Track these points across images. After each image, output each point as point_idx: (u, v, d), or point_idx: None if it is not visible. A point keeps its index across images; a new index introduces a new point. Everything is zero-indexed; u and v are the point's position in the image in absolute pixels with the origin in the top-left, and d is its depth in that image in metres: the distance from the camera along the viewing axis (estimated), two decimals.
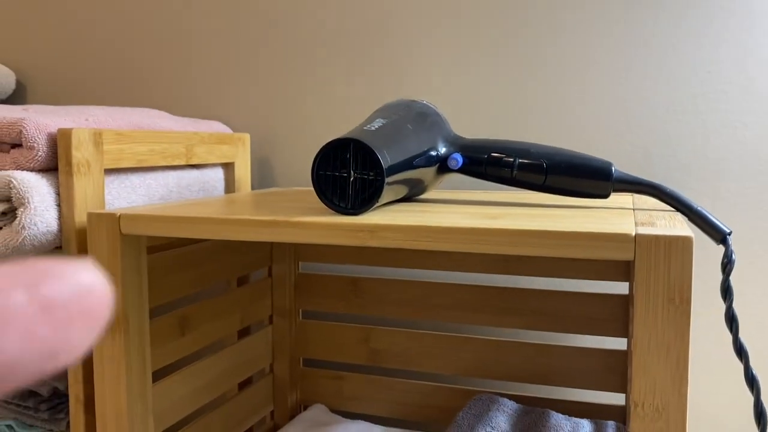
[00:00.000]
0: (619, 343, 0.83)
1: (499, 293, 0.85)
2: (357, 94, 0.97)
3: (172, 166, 0.83)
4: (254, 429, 0.96)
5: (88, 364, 0.67)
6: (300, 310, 0.95)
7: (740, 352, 0.56)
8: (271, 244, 0.94)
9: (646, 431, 0.47)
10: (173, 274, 0.74)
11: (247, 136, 0.94)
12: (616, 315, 0.81)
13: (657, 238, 0.46)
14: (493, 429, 0.73)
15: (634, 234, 0.47)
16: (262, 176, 1.02)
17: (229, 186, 0.92)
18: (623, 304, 0.80)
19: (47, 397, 0.91)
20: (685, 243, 0.46)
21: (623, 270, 0.80)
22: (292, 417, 0.94)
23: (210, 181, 0.89)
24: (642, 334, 0.47)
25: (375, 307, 0.91)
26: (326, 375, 0.95)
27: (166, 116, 0.89)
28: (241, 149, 0.93)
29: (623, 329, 0.81)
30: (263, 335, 0.92)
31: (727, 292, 0.56)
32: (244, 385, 0.92)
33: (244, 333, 0.92)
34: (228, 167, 0.92)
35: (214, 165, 0.91)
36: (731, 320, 0.56)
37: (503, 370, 0.86)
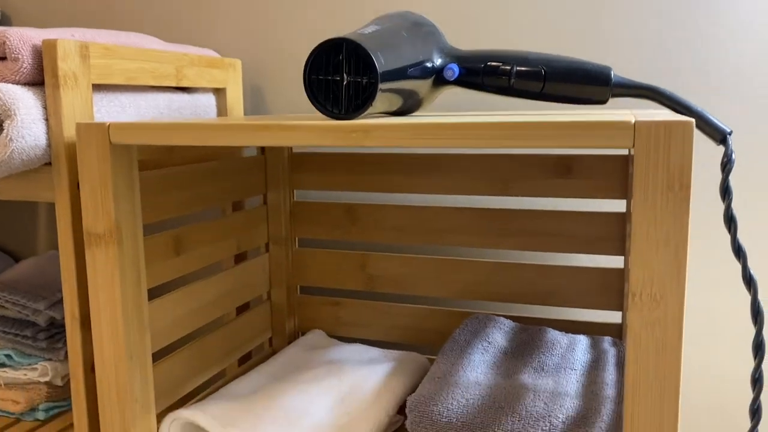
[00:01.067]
0: (615, 262, 0.83)
1: (496, 215, 0.85)
2: (351, 21, 0.94)
3: (163, 88, 0.81)
4: (253, 354, 0.96)
5: (82, 280, 0.66)
6: (296, 238, 0.95)
7: (738, 252, 0.55)
8: (265, 170, 0.93)
9: (643, 321, 0.47)
10: (166, 193, 0.73)
11: (238, 62, 0.92)
12: (613, 233, 0.80)
13: (657, 125, 0.45)
14: (489, 344, 0.74)
15: (633, 122, 0.46)
16: (255, 104, 1.01)
17: (221, 112, 0.91)
18: (620, 222, 0.80)
19: (45, 327, 0.91)
20: (685, 128, 0.45)
21: (620, 187, 0.79)
22: (290, 343, 0.95)
23: (201, 106, 0.87)
24: (641, 223, 0.46)
25: (371, 233, 0.91)
26: (323, 302, 0.95)
27: (155, 40, 0.87)
28: (232, 74, 0.91)
29: (620, 247, 0.80)
30: (260, 262, 0.92)
31: (726, 192, 0.56)
32: (241, 311, 0.92)
33: (240, 259, 0.91)
34: (220, 93, 0.91)
35: (205, 90, 0.89)
36: (730, 220, 0.56)
37: (500, 291, 0.86)
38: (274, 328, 0.96)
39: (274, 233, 0.94)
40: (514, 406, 0.60)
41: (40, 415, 0.91)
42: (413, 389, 0.79)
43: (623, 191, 0.79)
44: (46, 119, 0.65)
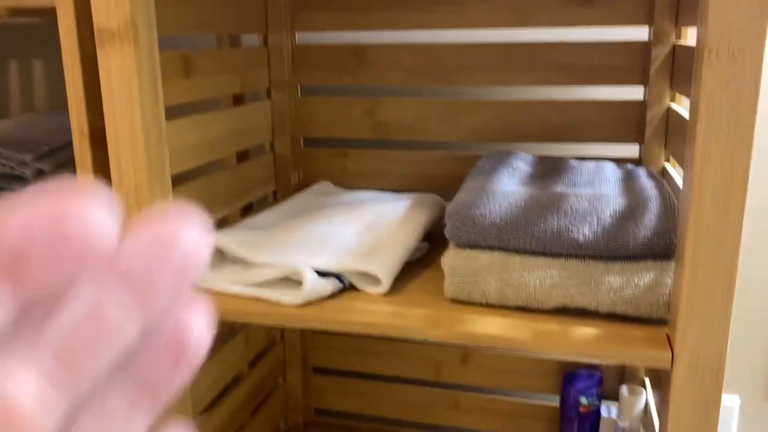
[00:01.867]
0: (635, 93, 0.82)
1: (512, 49, 0.82)
2: None
3: None
4: (254, 208, 0.93)
5: (91, 89, 0.61)
6: (299, 86, 0.90)
7: None
8: (265, 7, 0.87)
9: (719, 79, 0.46)
10: (175, 7, 0.67)
11: None
12: (634, 63, 0.79)
13: None
14: (515, 170, 0.72)
15: None
16: None
17: None
18: (642, 52, 0.78)
19: (32, 181, 0.85)
20: None
21: (644, 12, 0.77)
22: None
23: None
24: None
25: (380, 77, 0.87)
26: (329, 153, 0.91)
27: None
28: None
29: (641, 78, 0.79)
30: (261, 108, 0.87)
31: None
32: (242, 159, 0.88)
33: (239, 101, 0.86)
34: None
35: None
36: None
37: (516, 130, 0.84)
38: (277, 181, 0.92)
39: (275, 78, 0.89)
40: (558, 205, 0.59)
41: None
42: (437, 221, 0.78)
43: (647, 16, 0.77)
44: None
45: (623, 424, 0.84)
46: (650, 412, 0.80)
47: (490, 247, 0.60)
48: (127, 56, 0.57)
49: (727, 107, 0.46)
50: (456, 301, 0.61)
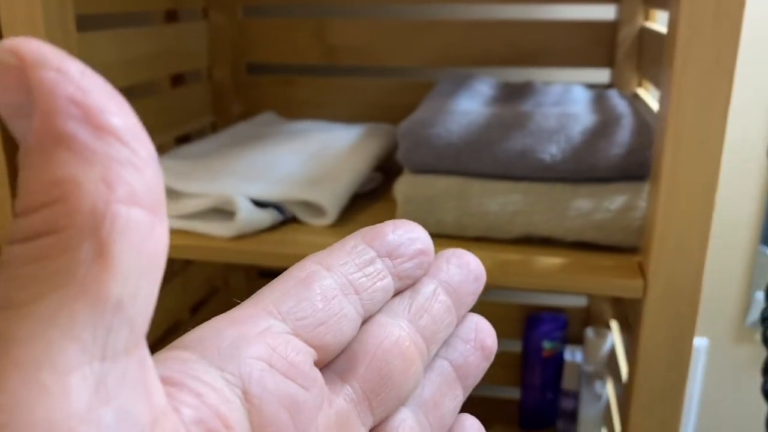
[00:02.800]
0: (606, 13, 0.75)
1: None
2: None
3: None
4: (191, 139, 0.84)
5: None
6: (241, 6, 0.81)
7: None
8: None
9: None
10: None
11: None
12: None
13: None
14: (476, 92, 0.65)
15: None
16: None
17: None
18: None
19: None
20: None
21: None
22: None
23: None
24: None
25: None
26: (274, 81, 0.83)
27: None
28: None
29: None
30: (197, 28, 0.78)
31: None
32: (177, 84, 0.79)
33: (171, 18, 0.77)
34: None
35: None
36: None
37: (479, 54, 0.77)
38: (216, 111, 0.84)
39: None
40: (523, 124, 0.52)
41: None
42: (391, 152, 0.71)
43: None
44: None
45: (588, 368, 0.80)
46: (616, 356, 0.76)
47: (448, 171, 0.53)
48: None
49: (711, 8, 0.40)
50: None
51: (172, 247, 0.53)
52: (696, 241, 0.44)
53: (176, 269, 0.79)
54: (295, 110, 0.83)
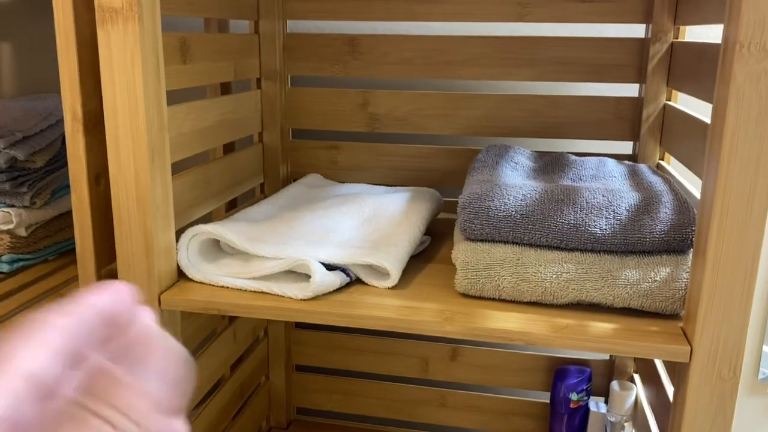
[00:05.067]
0: (630, 90, 0.82)
1: (510, 43, 0.81)
2: None
3: None
4: (239, 202, 0.90)
5: (85, 71, 0.57)
6: (289, 76, 0.88)
7: None
8: None
9: (749, 72, 0.46)
10: None
11: None
12: (631, 60, 0.79)
13: None
14: (517, 164, 0.71)
15: None
16: None
17: None
18: (639, 49, 0.79)
19: (5, 169, 0.81)
20: None
21: (643, 9, 0.77)
22: None
23: None
24: None
25: (374, 68, 0.85)
26: (319, 146, 0.89)
27: None
28: None
29: (637, 74, 0.79)
30: (251, 97, 0.84)
31: None
32: (228, 151, 0.85)
33: (225, 92, 0.83)
34: None
35: None
36: None
37: (511, 125, 0.84)
38: (266, 173, 0.89)
39: (266, 67, 0.86)
40: (573, 199, 0.58)
41: (4, 268, 0.81)
42: (435, 215, 0.77)
43: (646, 13, 0.78)
44: None
45: (613, 419, 0.84)
46: (640, 407, 0.81)
47: (504, 241, 0.59)
48: (131, 35, 0.53)
49: (756, 102, 0.46)
50: (467, 295, 0.60)
51: (251, 308, 0.58)
52: (739, 309, 0.50)
53: (221, 326, 0.83)
54: (338, 173, 0.89)
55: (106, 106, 0.56)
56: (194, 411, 0.78)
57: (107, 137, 0.56)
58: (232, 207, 0.89)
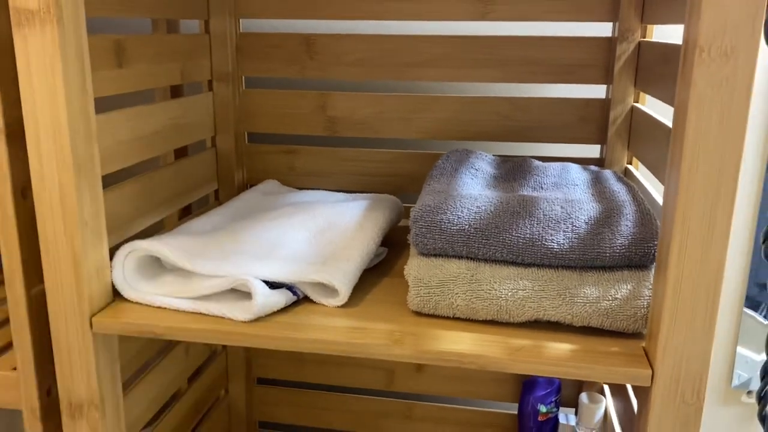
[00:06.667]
0: (598, 92, 0.79)
1: (472, 43, 0.78)
2: None
3: None
4: (193, 208, 0.86)
5: (7, 77, 0.53)
6: (243, 77, 0.84)
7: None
8: None
9: (711, 79, 0.42)
10: None
11: None
12: (597, 60, 0.76)
13: None
14: (477, 170, 0.68)
15: None
16: None
17: None
18: (606, 47, 0.75)
19: None
20: None
21: (610, 8, 0.74)
22: None
23: None
24: None
25: (332, 69, 0.81)
26: (276, 150, 0.85)
27: None
28: None
29: (604, 75, 0.76)
30: (202, 101, 0.80)
31: None
32: (180, 156, 0.81)
33: (176, 94, 0.79)
34: None
35: None
36: None
37: (475, 128, 0.80)
38: (220, 179, 0.85)
39: (218, 69, 0.82)
40: (530, 211, 0.55)
41: None
42: (394, 224, 0.73)
43: (612, 12, 0.74)
44: None
45: (582, 431, 0.82)
46: (609, 420, 0.78)
47: (458, 256, 0.55)
48: (50, 39, 0.49)
49: (718, 109, 0.43)
50: (419, 314, 0.57)
51: (189, 330, 0.54)
52: (702, 329, 0.47)
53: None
54: (296, 179, 0.85)
55: (26, 116, 0.52)
56: (147, 428, 0.74)
57: (28, 149, 0.52)
58: (186, 214, 0.85)
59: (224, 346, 0.92)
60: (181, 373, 0.80)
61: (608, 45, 0.75)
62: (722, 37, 0.42)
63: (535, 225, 0.53)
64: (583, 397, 0.81)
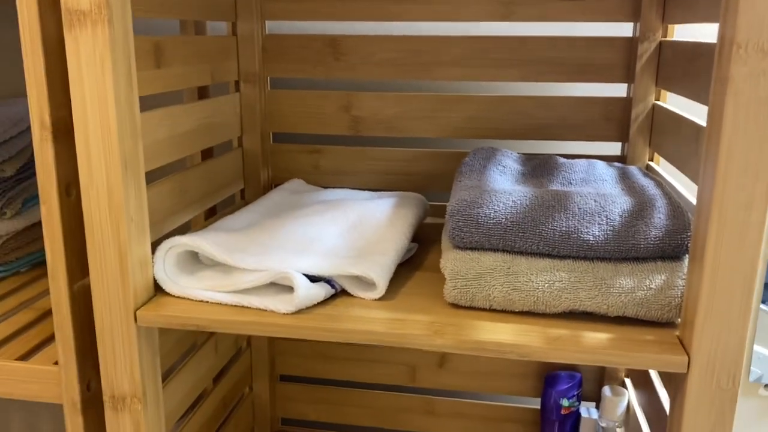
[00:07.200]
0: (619, 90, 0.81)
1: (495, 43, 0.79)
2: None
3: None
4: (218, 209, 0.87)
5: (54, 77, 0.54)
6: (269, 78, 0.85)
7: None
8: None
9: (748, 73, 0.44)
10: None
11: None
12: (619, 60, 0.78)
13: None
14: (505, 167, 0.69)
15: None
16: None
17: None
18: (627, 48, 0.77)
19: None
20: None
21: (632, 7, 0.76)
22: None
23: None
24: None
25: (357, 70, 0.83)
26: (301, 150, 0.87)
27: None
28: None
29: (626, 74, 0.78)
30: (230, 101, 0.82)
31: None
32: (206, 156, 0.82)
33: (204, 94, 0.80)
34: None
35: None
36: None
37: (498, 127, 0.82)
38: (246, 178, 0.86)
39: (245, 70, 0.84)
40: (565, 205, 0.56)
41: None
42: (421, 220, 0.74)
43: (634, 12, 0.76)
44: None
45: (604, 424, 0.83)
46: (633, 412, 0.79)
47: (494, 249, 0.57)
48: (101, 39, 0.51)
49: (755, 104, 0.44)
50: (456, 306, 0.58)
51: (232, 323, 0.56)
52: (738, 316, 0.48)
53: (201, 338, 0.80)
54: (320, 178, 0.87)
55: (75, 115, 0.53)
56: (176, 426, 0.75)
57: (77, 147, 0.54)
58: (211, 215, 0.86)
59: (249, 344, 0.93)
60: (211, 369, 0.81)
61: (629, 45, 0.77)
62: (759, 34, 0.43)
63: (571, 218, 0.55)
64: (606, 390, 0.83)
